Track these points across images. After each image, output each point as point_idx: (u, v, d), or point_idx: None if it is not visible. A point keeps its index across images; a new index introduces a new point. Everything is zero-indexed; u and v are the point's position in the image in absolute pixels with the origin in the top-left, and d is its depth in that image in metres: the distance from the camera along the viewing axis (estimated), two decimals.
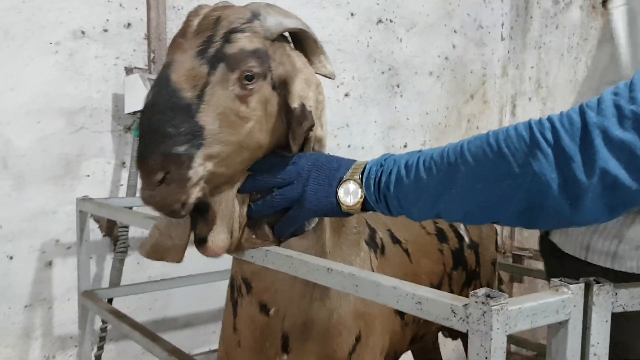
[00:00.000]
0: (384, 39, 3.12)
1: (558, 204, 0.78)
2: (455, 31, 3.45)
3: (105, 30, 2.21)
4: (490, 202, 0.83)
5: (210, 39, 0.94)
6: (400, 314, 1.41)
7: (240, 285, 1.16)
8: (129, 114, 2.15)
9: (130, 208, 2.14)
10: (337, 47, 2.93)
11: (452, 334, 2.01)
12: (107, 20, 2.21)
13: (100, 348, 2.10)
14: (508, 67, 3.76)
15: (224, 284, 2.53)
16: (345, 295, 1.19)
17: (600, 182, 0.74)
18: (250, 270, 1.12)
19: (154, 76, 2.14)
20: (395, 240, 1.46)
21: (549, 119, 0.80)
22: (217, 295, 2.59)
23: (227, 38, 0.95)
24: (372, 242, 1.34)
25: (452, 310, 0.72)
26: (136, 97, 2.05)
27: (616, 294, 0.79)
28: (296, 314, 1.13)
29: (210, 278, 2.42)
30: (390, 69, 3.16)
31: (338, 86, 2.95)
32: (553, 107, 4.11)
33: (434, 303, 0.75)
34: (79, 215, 1.88)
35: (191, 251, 2.50)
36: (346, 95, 2.99)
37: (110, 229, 2.24)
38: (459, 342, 2.29)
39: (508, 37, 3.73)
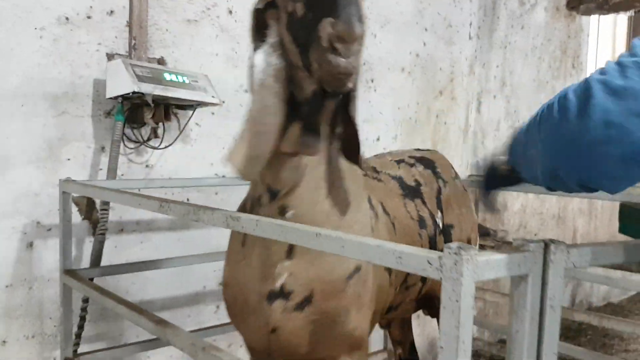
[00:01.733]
0: None
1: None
2: (426, 29, 3.58)
3: (89, 17, 2.24)
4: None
5: None
6: (388, 272, 1.53)
7: (261, 196, 1.32)
8: (110, 99, 2.19)
9: (107, 204, 2.19)
10: None
11: (432, 312, 2.13)
12: (91, 7, 2.24)
13: (81, 327, 2.14)
14: (475, 66, 3.93)
15: (200, 268, 2.60)
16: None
17: (597, 124, 0.89)
18: (282, 178, 1.28)
19: (135, 62, 2.18)
20: (386, 212, 1.59)
21: (567, 90, 0.98)
22: (193, 279, 2.65)
23: None
24: (370, 204, 1.48)
25: (428, 261, 0.83)
26: (117, 83, 2.09)
27: (569, 252, 0.91)
28: (310, 221, 1.25)
29: (188, 261, 2.48)
30: (364, 64, 3.27)
31: None
32: (517, 105, 4.30)
33: (413, 256, 0.86)
34: (62, 196, 1.91)
35: (170, 235, 2.55)
36: None
37: (90, 212, 2.28)
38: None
39: (475, 36, 3.90)
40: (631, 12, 4.02)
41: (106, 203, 2.20)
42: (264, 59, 1.24)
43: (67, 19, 2.18)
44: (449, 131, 3.81)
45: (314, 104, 1.26)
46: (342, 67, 1.10)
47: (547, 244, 0.89)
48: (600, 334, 4.44)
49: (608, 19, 5.08)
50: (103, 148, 2.31)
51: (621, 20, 5.38)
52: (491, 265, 0.82)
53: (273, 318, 1.31)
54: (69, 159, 2.23)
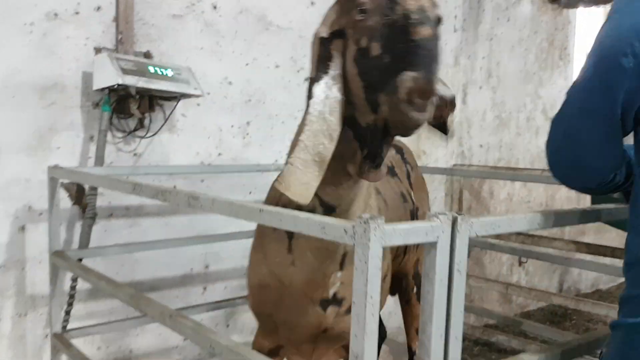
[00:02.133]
0: None
1: None
2: None
3: (77, 13, 2.36)
4: None
5: None
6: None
7: (315, 208, 1.37)
8: (97, 90, 2.32)
9: (95, 189, 2.33)
10: (298, 33, 3.12)
11: (400, 293, 2.28)
12: (79, 3, 2.37)
13: (70, 304, 2.28)
14: (460, 57, 4.02)
15: (187, 251, 2.73)
16: None
17: None
18: (341, 195, 1.39)
19: (120, 55, 2.31)
20: (378, 192, 1.73)
21: None
22: (180, 261, 2.79)
23: None
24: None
25: (345, 230, 0.95)
26: (103, 75, 2.22)
27: (472, 223, 1.03)
28: None
29: (175, 244, 2.62)
30: None
31: (299, 71, 3.15)
32: (503, 96, 4.39)
33: (333, 227, 0.98)
34: (50, 181, 2.05)
35: (159, 220, 2.68)
36: (306, 80, 3.19)
37: (79, 197, 2.42)
38: None
39: (461, 28, 3.99)
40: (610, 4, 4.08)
41: (94, 188, 2.33)
42: (324, 91, 1.25)
43: (55, 14, 2.31)
44: None
45: (373, 137, 1.29)
46: (418, 121, 1.15)
47: (455, 217, 1.01)
48: (585, 319, 4.55)
49: (597, 10, 5.14)
50: (92, 137, 2.44)
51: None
52: (397, 232, 0.95)
53: (326, 321, 1.51)
54: (58, 148, 2.36)
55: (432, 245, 1.00)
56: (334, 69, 1.26)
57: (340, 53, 1.26)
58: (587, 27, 5.02)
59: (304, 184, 1.22)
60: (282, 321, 1.58)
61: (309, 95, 1.28)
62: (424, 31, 1.08)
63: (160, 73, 2.32)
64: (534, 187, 4.70)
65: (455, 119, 4.04)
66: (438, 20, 1.12)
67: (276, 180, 1.28)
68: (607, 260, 3.23)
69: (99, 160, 2.30)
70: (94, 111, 2.44)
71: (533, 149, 4.69)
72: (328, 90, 1.25)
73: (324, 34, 1.30)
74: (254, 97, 2.99)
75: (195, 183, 2.79)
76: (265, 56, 3.01)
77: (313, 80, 1.29)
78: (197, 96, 2.49)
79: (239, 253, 2.99)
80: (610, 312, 3.26)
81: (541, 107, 4.73)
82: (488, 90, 4.28)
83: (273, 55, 3.04)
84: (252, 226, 2.99)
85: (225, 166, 2.71)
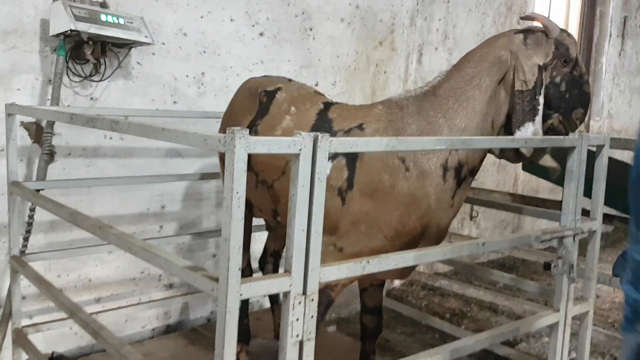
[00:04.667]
0: None
1: None
2: None
3: None
4: None
5: None
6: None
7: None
8: (54, 36, 2.50)
9: (52, 125, 2.52)
10: None
11: None
12: None
13: (28, 232, 2.51)
14: (416, 18, 4.20)
15: (144, 192, 2.96)
16: None
17: None
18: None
19: (74, 3, 2.48)
20: None
21: None
22: (137, 200, 3.02)
23: None
24: None
25: (219, 140, 1.18)
26: (58, 22, 2.40)
27: (331, 141, 1.26)
28: None
29: (130, 181, 2.85)
30: (303, 13, 3.55)
31: (254, 25, 3.33)
32: (459, 57, 4.58)
33: (212, 138, 1.21)
34: (7, 117, 2.25)
35: (115, 161, 2.88)
36: (261, 34, 3.38)
37: (38, 136, 2.62)
38: None
39: None
40: None
41: (50, 126, 2.53)
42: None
43: None
44: (388, 80, 4.12)
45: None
46: (575, 129, 2.17)
47: (317, 135, 1.25)
48: (531, 270, 4.88)
49: None
50: (50, 80, 2.63)
51: None
52: (262, 142, 1.18)
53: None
54: (19, 89, 2.55)
55: (297, 156, 1.23)
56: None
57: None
58: None
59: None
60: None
61: (536, 103, 2.07)
62: (589, 87, 2.18)
63: (112, 21, 2.50)
64: None
65: (410, 77, 4.25)
66: None
67: None
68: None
69: (55, 100, 2.50)
70: (52, 56, 2.62)
71: None
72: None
73: (541, 62, 2.09)
74: (209, 49, 3.17)
75: None
76: (220, 10, 3.17)
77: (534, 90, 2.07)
78: (148, 44, 2.68)
79: (193, 196, 3.23)
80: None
81: None
82: (444, 51, 4.48)
83: (228, 9, 3.20)
84: (204, 169, 3.21)
85: (180, 111, 2.91)
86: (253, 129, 2.27)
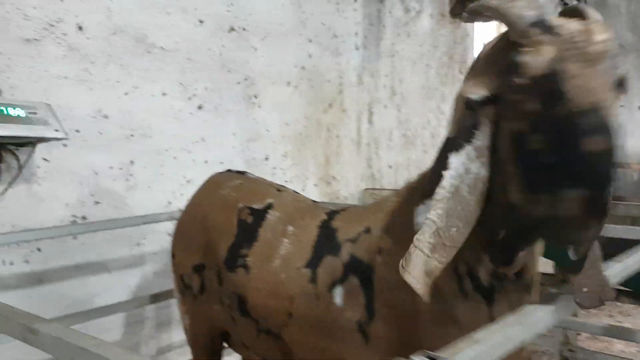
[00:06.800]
0: (237, 47, 2.97)
1: None
2: (310, 40, 3.41)
3: None
4: None
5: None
6: None
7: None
8: None
9: None
10: (186, 56, 2.73)
11: None
12: None
13: None
14: (363, 76, 3.82)
15: None
16: None
17: None
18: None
19: None
20: None
21: None
22: None
23: None
24: None
25: None
26: None
27: None
28: None
29: None
30: (246, 79, 3.03)
31: (190, 98, 2.75)
32: (407, 113, 4.27)
33: None
34: None
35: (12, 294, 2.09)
36: (199, 107, 2.80)
37: None
38: None
39: (362, 45, 3.79)
40: None
41: None
42: (464, 164, 1.06)
43: None
44: (341, 144, 3.67)
45: (513, 231, 1.13)
46: (578, 239, 1.03)
47: None
48: None
49: (493, 24, 5.23)
50: None
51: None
52: None
53: None
54: None
55: None
56: (481, 139, 1.06)
57: (491, 121, 1.05)
58: (484, 39, 5.09)
59: (428, 271, 1.06)
60: None
61: (444, 165, 1.07)
62: (598, 144, 0.89)
63: (7, 114, 1.83)
64: None
65: (363, 140, 3.84)
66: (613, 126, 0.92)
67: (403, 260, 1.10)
68: None
69: None
70: None
71: None
72: (469, 164, 1.06)
73: (474, 95, 1.05)
74: (137, 131, 2.54)
75: (66, 241, 2.29)
76: (148, 83, 2.57)
77: (451, 146, 1.08)
78: (59, 139, 2.02)
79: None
80: None
81: (445, 122, 4.68)
82: (393, 108, 4.13)
83: (158, 81, 2.61)
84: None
85: (104, 222, 2.22)
86: (240, 262, 1.68)
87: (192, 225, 1.95)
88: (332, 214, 1.67)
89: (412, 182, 1.57)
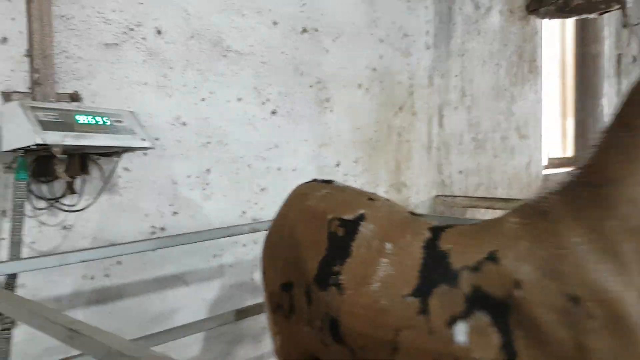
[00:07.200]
0: (309, 49, 2.85)
1: None
2: (381, 40, 3.25)
3: None
4: None
5: None
6: None
7: None
8: (9, 151, 1.71)
9: (14, 278, 1.70)
10: (261, 59, 2.61)
11: None
12: None
13: None
14: (434, 76, 3.64)
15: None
16: None
17: None
18: None
19: (38, 103, 1.71)
20: None
21: None
22: None
23: None
24: None
25: None
26: (15, 132, 1.62)
27: None
28: None
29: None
30: (318, 82, 2.90)
31: (264, 103, 2.64)
32: (478, 115, 4.06)
33: None
34: None
35: (100, 309, 2.05)
36: (273, 112, 2.68)
37: None
38: None
39: (433, 45, 3.61)
40: (595, 15, 3.86)
41: (10, 284, 1.71)
42: None
43: None
44: (411, 149, 3.50)
45: None
46: None
47: None
48: None
49: (558, 21, 4.96)
50: (4, 212, 1.81)
51: (569, 21, 5.29)
52: None
53: None
54: None
55: None
56: None
57: None
58: (550, 37, 4.82)
59: None
60: None
61: None
62: None
63: (93, 123, 1.74)
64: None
65: (433, 144, 3.66)
66: None
67: None
68: None
69: (15, 248, 1.68)
70: (6, 176, 1.81)
71: (509, 170, 4.40)
72: None
73: None
74: (213, 138, 2.44)
75: (145, 253, 2.20)
76: (224, 88, 2.47)
77: None
78: (146, 149, 1.92)
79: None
80: None
81: (515, 124, 4.45)
82: (463, 110, 3.93)
83: (233, 86, 2.51)
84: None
85: (182, 236, 2.09)
86: (332, 280, 1.53)
87: (279, 240, 1.81)
88: (436, 231, 1.50)
89: (531, 202, 1.38)
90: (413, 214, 1.66)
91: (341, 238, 1.57)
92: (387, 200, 1.75)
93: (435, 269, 1.39)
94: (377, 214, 1.62)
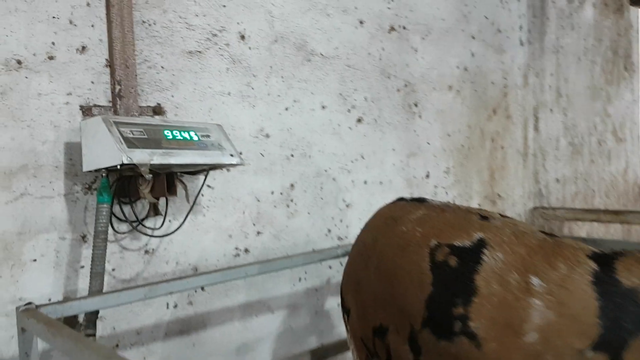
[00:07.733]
0: (397, 49, 2.59)
1: None
2: (473, 37, 2.96)
3: (51, 58, 1.60)
4: None
5: None
6: None
7: None
8: (90, 171, 1.55)
9: (96, 314, 1.54)
10: (346, 62, 2.39)
11: None
12: (53, 43, 1.60)
13: None
14: (529, 75, 3.30)
15: None
16: None
17: None
18: None
19: (121, 118, 1.54)
20: None
21: None
22: None
23: None
24: None
25: None
26: (97, 151, 1.45)
27: None
28: None
29: None
30: (406, 85, 2.64)
31: (349, 110, 2.41)
32: (574, 118, 3.68)
33: None
34: (22, 335, 1.26)
35: (182, 340, 1.80)
36: (359, 120, 2.45)
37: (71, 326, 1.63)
38: None
39: (527, 41, 3.27)
40: None
41: (91, 319, 1.54)
42: None
43: (18, 62, 1.54)
44: (506, 156, 3.17)
45: None
46: None
47: None
48: None
49: None
50: (84, 237, 1.66)
51: None
52: None
53: None
54: (34, 260, 1.57)
55: None
56: None
57: None
58: None
59: None
60: None
61: None
62: None
63: (181, 138, 1.56)
64: (611, 224, 3.96)
65: (529, 150, 3.31)
66: None
67: None
68: None
69: (97, 279, 1.52)
70: (86, 198, 1.66)
71: (607, 176, 3.97)
72: None
73: None
74: (297, 150, 2.23)
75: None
76: (308, 95, 2.25)
77: None
78: (235, 165, 1.73)
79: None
80: None
81: (611, 127, 4.02)
82: (559, 112, 3.56)
83: (318, 93, 2.29)
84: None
85: (272, 262, 1.87)
86: (458, 327, 1.25)
87: (363, 272, 1.54)
88: (605, 260, 1.19)
89: None
90: (546, 233, 1.35)
91: (456, 270, 1.28)
92: (505, 216, 1.45)
93: (624, 312, 1.09)
94: (501, 237, 1.31)
